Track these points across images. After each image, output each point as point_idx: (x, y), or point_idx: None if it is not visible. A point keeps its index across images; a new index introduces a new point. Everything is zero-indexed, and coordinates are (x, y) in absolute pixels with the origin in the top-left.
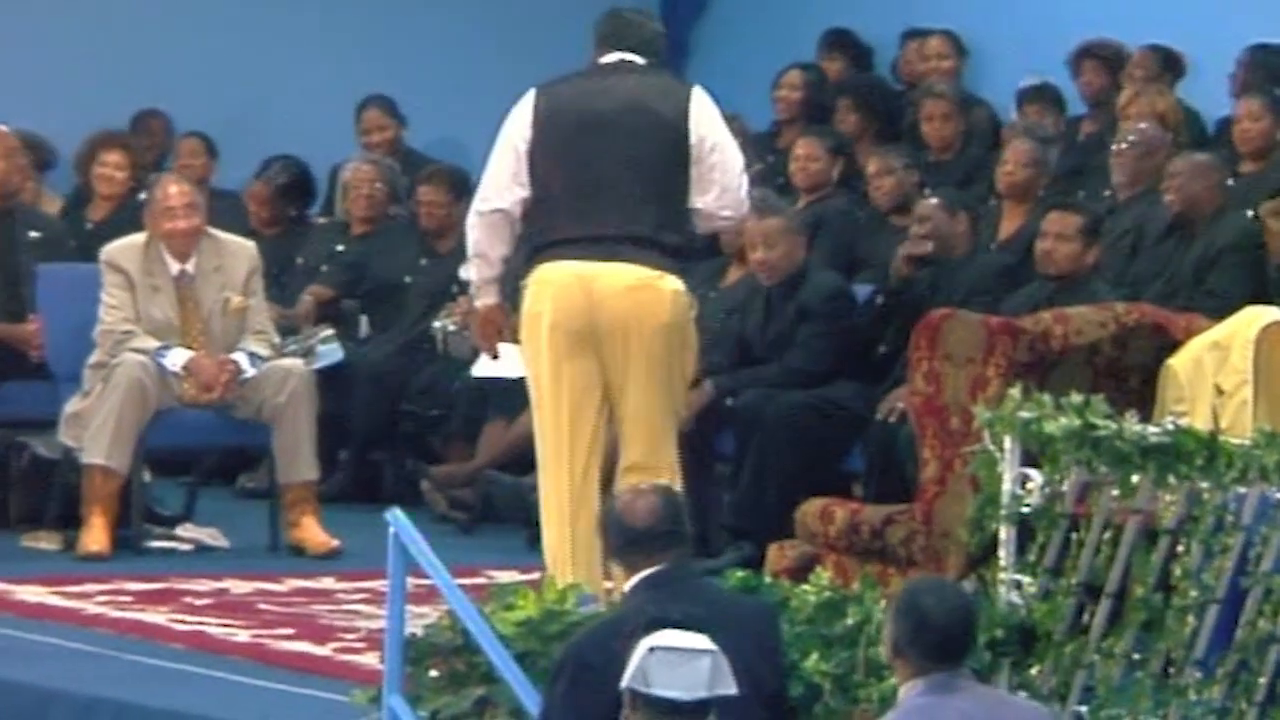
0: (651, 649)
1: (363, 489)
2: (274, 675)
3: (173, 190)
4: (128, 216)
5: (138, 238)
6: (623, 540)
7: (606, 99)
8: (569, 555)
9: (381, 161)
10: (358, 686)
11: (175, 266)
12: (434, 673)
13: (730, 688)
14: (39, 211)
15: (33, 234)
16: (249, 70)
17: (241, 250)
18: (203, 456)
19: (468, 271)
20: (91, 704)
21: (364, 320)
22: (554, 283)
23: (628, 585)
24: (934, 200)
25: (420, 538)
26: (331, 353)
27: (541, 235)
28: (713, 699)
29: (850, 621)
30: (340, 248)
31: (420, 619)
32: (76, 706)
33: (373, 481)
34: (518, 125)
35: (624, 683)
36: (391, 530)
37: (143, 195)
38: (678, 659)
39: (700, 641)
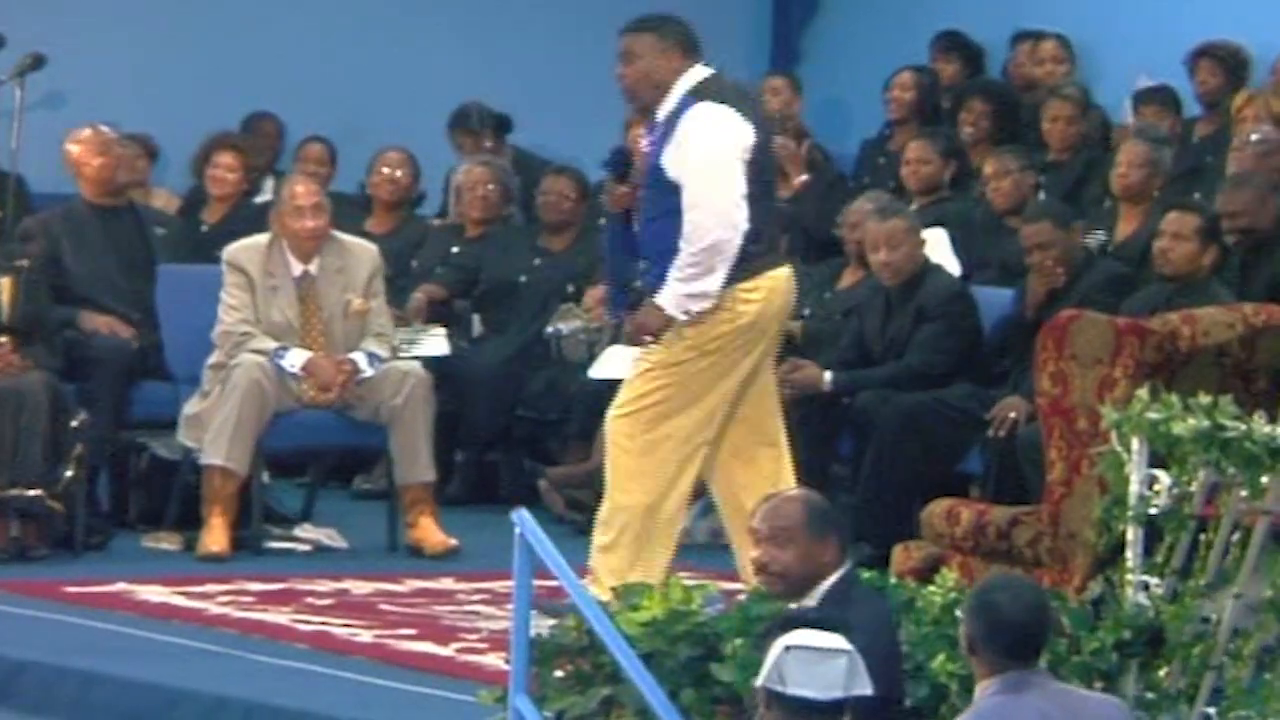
0: (787, 648)
1: (479, 491)
2: (398, 675)
3: (300, 190)
4: (242, 218)
5: (260, 238)
6: None
7: (758, 108)
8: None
9: (494, 163)
10: (483, 687)
11: (298, 267)
12: (559, 673)
13: (866, 688)
14: (159, 210)
15: (159, 230)
16: (360, 73)
17: (364, 252)
18: (320, 458)
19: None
20: (219, 703)
21: (476, 319)
22: (774, 290)
23: None
24: (1043, 224)
25: (546, 538)
26: (437, 344)
27: (753, 243)
28: (848, 699)
29: None
30: (455, 249)
31: (544, 619)
32: (205, 705)
33: (489, 483)
34: (742, 139)
35: (759, 681)
36: (517, 531)
37: (259, 198)
38: (814, 658)
39: (836, 641)
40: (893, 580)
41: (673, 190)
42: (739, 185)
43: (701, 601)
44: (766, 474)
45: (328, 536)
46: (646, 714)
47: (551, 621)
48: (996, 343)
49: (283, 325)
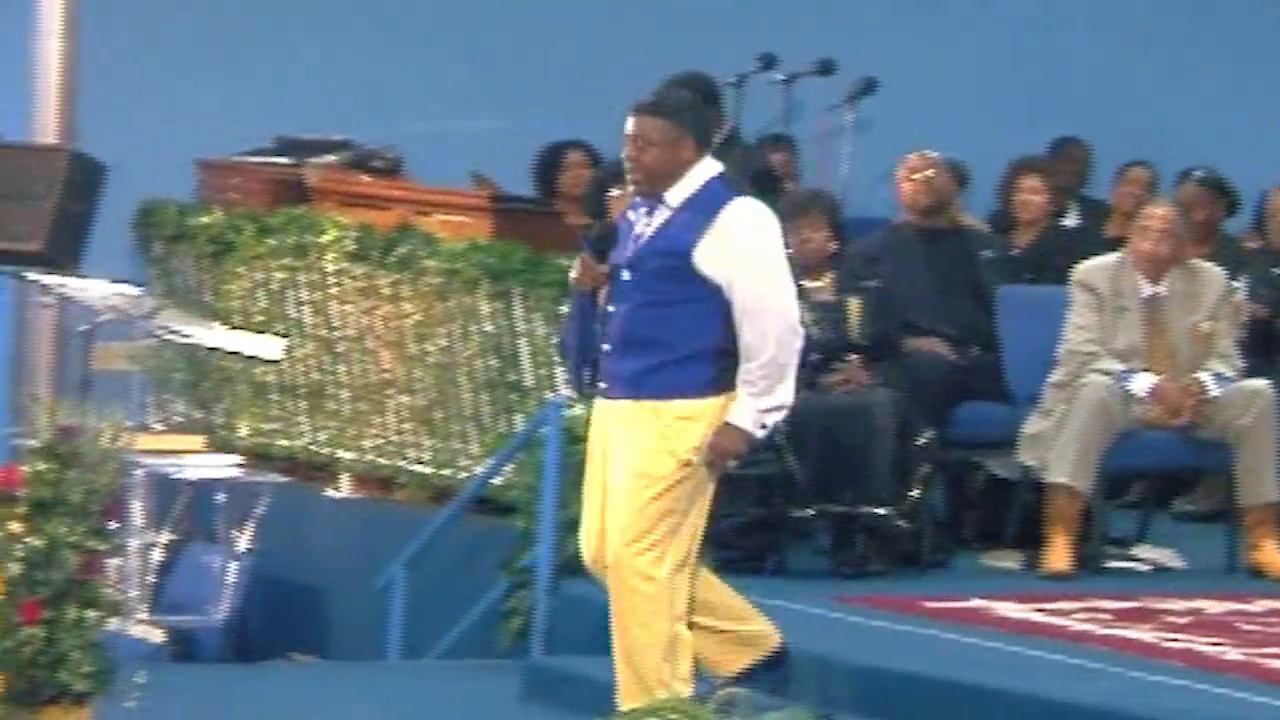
0: None
1: None
2: (1275, 693)
3: (1154, 213)
4: (1050, 242)
5: (1110, 258)
6: None
7: None
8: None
9: None
10: None
11: (1147, 289)
12: None
13: None
14: (986, 233)
15: (985, 253)
16: (1165, 93)
17: (1212, 276)
18: (1153, 479)
19: None
20: (1104, 717)
21: None
22: None
23: None
24: None
25: None
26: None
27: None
28: None
29: None
30: (1276, 271)
31: None
32: (1089, 716)
33: None
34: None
35: None
36: None
37: (1065, 220)
38: None
39: None
40: None
41: (696, 282)
42: (794, 289)
43: None
44: None
45: (1166, 557)
46: None
47: None
48: None
49: (1128, 346)
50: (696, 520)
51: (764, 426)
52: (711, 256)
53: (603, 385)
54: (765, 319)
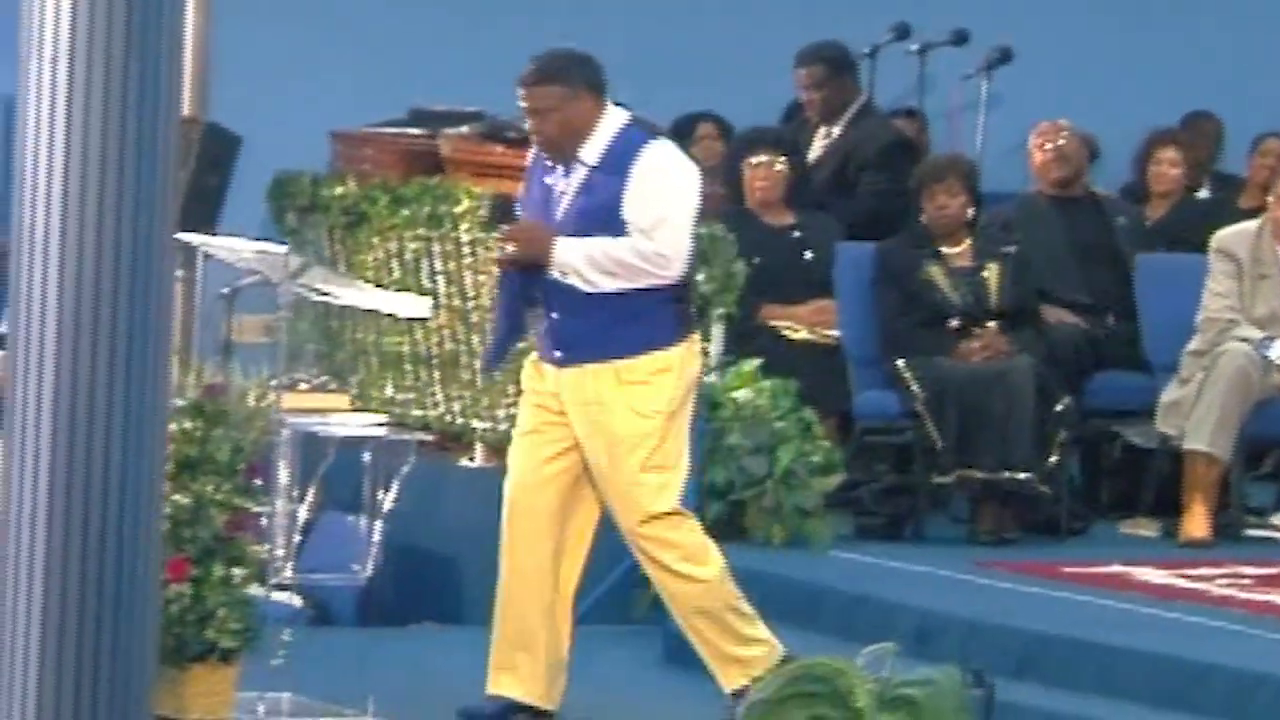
0: None
1: None
2: None
3: None
4: (1184, 215)
5: (1250, 225)
6: None
7: None
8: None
9: None
10: None
11: None
12: None
13: None
14: (1120, 200)
15: (1120, 220)
16: None
17: None
18: None
19: None
20: (1256, 679)
21: None
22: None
23: None
24: None
25: None
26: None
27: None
28: None
29: None
30: None
31: None
32: (1238, 681)
33: None
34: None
35: None
36: None
37: (1200, 193)
38: None
39: None
40: None
41: (630, 232)
42: (691, 239)
43: None
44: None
45: None
46: None
47: None
48: None
49: (1268, 314)
50: (685, 466)
51: (561, 268)
52: (635, 201)
53: (558, 354)
54: (658, 244)
